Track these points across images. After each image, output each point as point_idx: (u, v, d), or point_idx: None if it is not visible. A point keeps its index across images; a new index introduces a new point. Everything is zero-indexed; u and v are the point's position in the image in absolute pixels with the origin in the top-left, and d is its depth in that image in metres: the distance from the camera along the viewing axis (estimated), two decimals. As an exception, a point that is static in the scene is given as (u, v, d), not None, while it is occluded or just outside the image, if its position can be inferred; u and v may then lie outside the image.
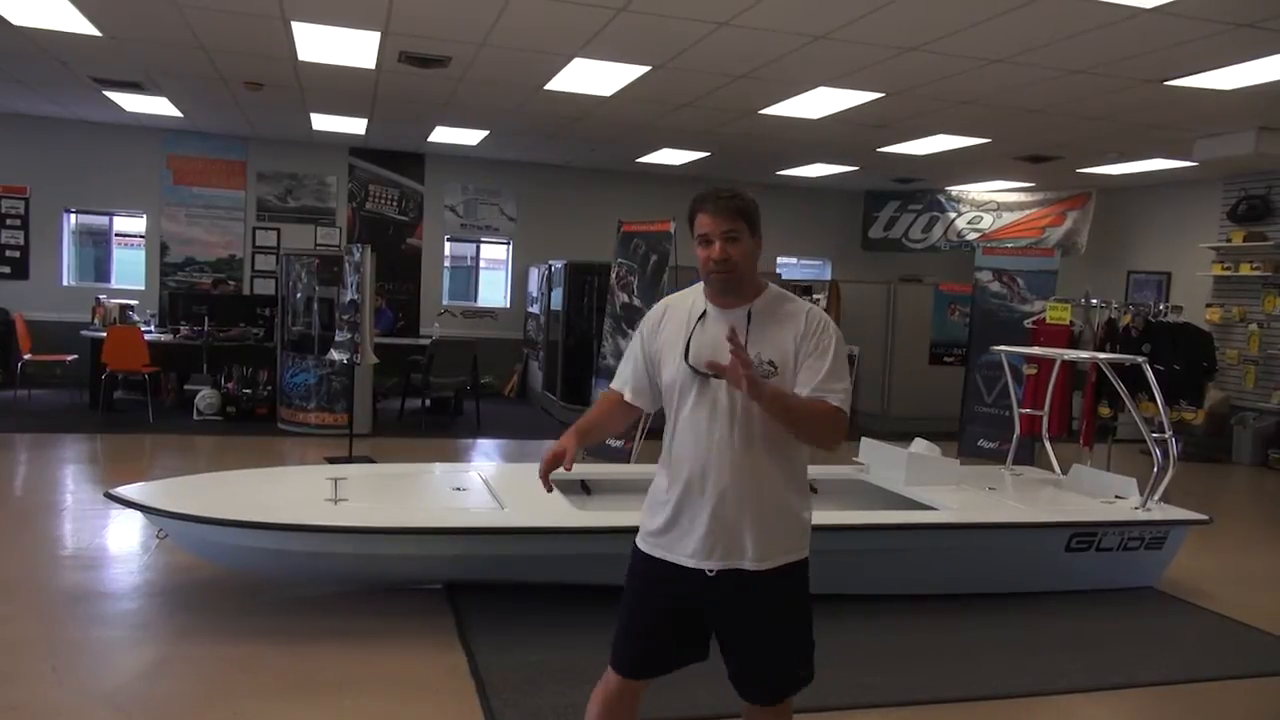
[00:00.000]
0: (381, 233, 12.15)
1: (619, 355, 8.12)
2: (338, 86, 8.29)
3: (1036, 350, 6.82)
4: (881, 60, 6.50)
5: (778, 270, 12.75)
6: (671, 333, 2.47)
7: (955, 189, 13.24)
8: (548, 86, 7.82)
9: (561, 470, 2.42)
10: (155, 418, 8.95)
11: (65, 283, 11.43)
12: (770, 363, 2.35)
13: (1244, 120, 7.85)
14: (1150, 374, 5.52)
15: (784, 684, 2.47)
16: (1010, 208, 12.99)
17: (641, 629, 2.49)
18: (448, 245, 12.76)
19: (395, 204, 12.36)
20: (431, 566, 4.41)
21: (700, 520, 2.36)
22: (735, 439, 2.35)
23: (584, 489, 5.16)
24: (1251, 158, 8.60)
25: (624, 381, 2.60)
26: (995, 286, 8.95)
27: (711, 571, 2.36)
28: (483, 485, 4.90)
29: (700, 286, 2.49)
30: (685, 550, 2.38)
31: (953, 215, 13.43)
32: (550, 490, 2.49)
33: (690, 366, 2.38)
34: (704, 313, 2.43)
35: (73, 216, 11.54)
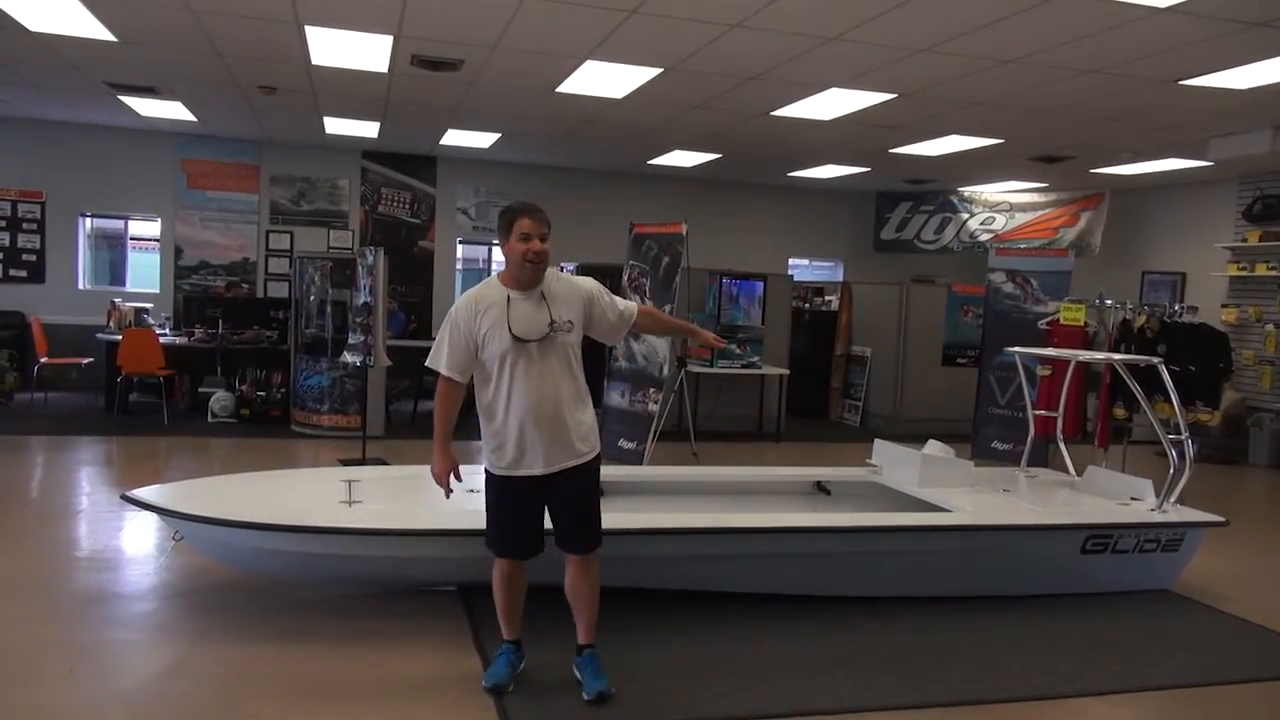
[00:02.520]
0: (394, 235, 12.19)
1: (631, 357, 8.14)
2: (350, 90, 8.32)
3: (1051, 351, 6.78)
4: (894, 61, 6.48)
5: (790, 271, 12.75)
6: (493, 317, 3.36)
7: (968, 190, 13.20)
8: (560, 89, 7.83)
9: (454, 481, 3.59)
10: (170, 420, 9.01)
11: (81, 286, 11.51)
12: (569, 320, 3.44)
13: (1259, 119, 7.80)
14: (1166, 375, 5.48)
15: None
16: (1023, 208, 12.94)
17: (515, 525, 3.54)
18: (460, 248, 12.80)
19: (407, 207, 12.40)
20: (445, 568, 4.42)
21: (539, 441, 3.39)
22: (552, 378, 3.40)
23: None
24: (1267, 157, 8.55)
25: (456, 368, 3.44)
26: (1009, 287, 8.92)
27: (550, 471, 3.43)
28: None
29: (494, 280, 3.49)
30: (535, 464, 3.42)
31: (965, 216, 13.38)
32: (450, 495, 3.65)
33: (514, 337, 3.34)
34: (508, 297, 3.39)
35: (88, 220, 11.62)
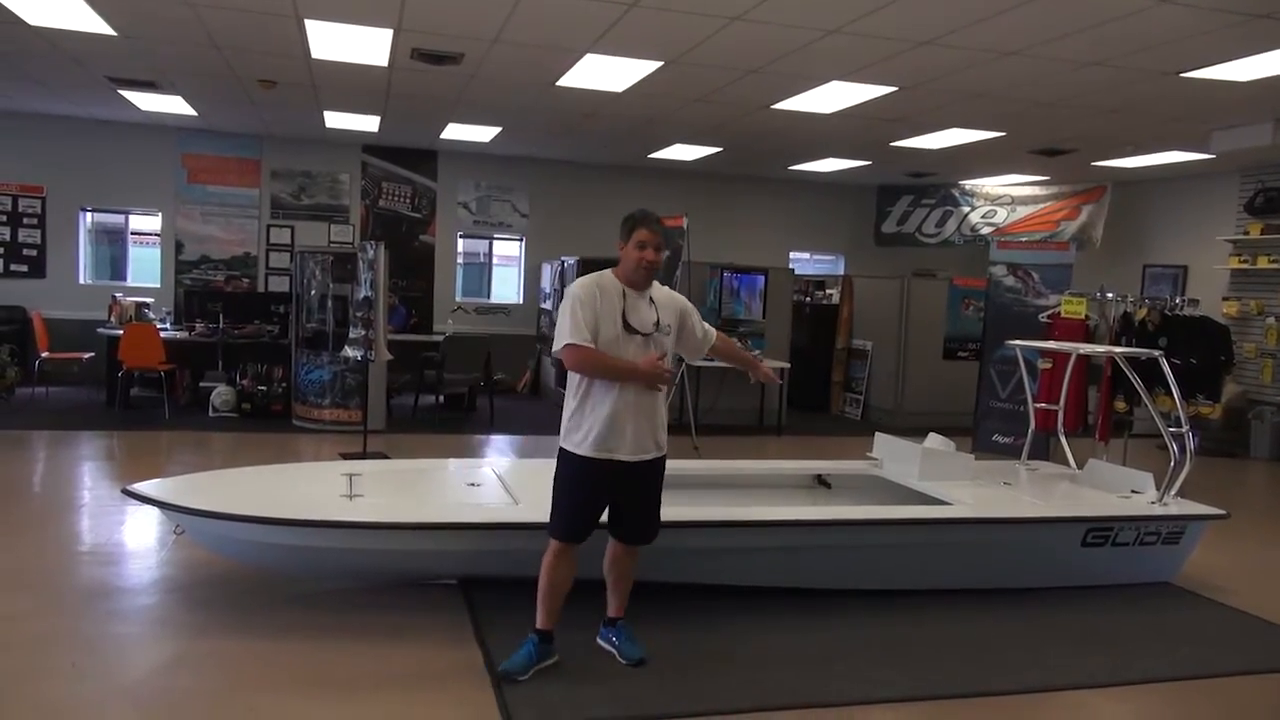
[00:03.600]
0: (394, 230, 12.18)
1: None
2: (351, 84, 8.31)
3: (1052, 344, 6.78)
4: (895, 54, 6.47)
5: (791, 265, 12.74)
6: (611, 303, 3.60)
7: (969, 183, 13.18)
8: (560, 83, 7.82)
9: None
10: (171, 415, 9.02)
11: (82, 281, 11.52)
12: (669, 325, 3.73)
13: (1261, 112, 7.78)
14: (1167, 368, 5.48)
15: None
16: (1024, 201, 12.92)
17: (585, 509, 3.63)
18: (460, 242, 12.79)
19: (408, 201, 12.39)
20: (446, 562, 4.43)
21: (629, 429, 3.57)
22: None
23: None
24: (1269, 149, 8.54)
25: (586, 337, 3.56)
26: (1010, 281, 8.92)
27: (640, 460, 3.61)
28: (497, 481, 4.91)
29: (609, 274, 3.69)
30: (622, 449, 3.57)
31: (966, 209, 13.37)
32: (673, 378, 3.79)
33: (627, 326, 3.59)
34: (623, 292, 3.64)
35: (89, 215, 11.62)
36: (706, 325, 4.02)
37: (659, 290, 3.80)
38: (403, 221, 12.37)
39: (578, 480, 3.62)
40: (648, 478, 3.69)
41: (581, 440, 3.59)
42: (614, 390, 3.56)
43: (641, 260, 3.62)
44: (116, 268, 11.93)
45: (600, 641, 3.83)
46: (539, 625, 3.69)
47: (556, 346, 3.62)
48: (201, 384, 9.95)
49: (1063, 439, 6.39)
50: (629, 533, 3.74)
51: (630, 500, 3.69)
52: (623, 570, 3.81)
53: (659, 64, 7.06)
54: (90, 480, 6.89)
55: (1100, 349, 6.37)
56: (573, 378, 3.65)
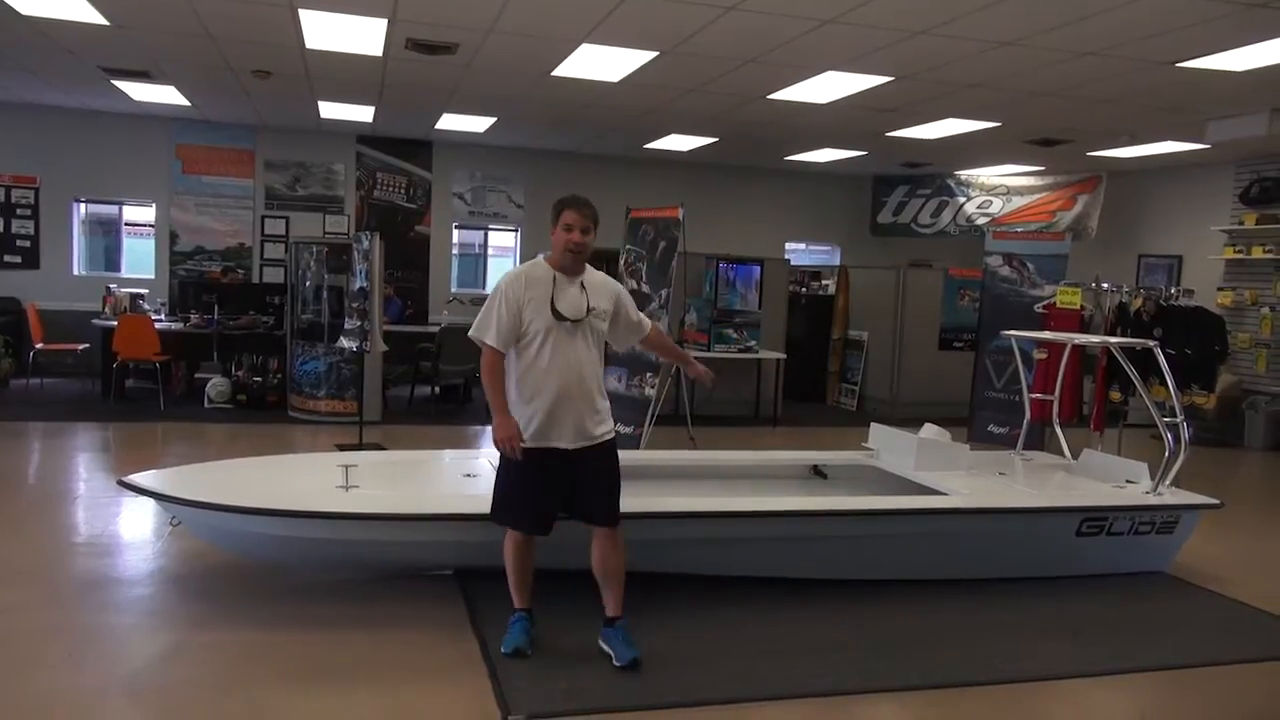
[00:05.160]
0: (390, 220, 12.15)
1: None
2: (345, 74, 8.28)
3: (1047, 335, 6.79)
4: (891, 44, 6.46)
5: (786, 255, 12.73)
6: (538, 293, 3.60)
7: (965, 173, 13.18)
8: (555, 73, 7.80)
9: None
10: (166, 406, 9.00)
11: (76, 272, 11.48)
12: (604, 310, 3.75)
13: (1257, 102, 7.78)
14: (1161, 358, 5.49)
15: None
16: (1020, 192, 12.92)
17: (528, 498, 3.68)
18: (456, 233, 12.77)
19: (403, 192, 12.36)
20: (442, 553, 4.43)
21: (568, 416, 3.61)
22: (582, 358, 3.67)
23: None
24: (1264, 140, 8.53)
25: (500, 340, 3.62)
26: (1005, 271, 8.92)
27: (576, 447, 3.64)
28: (493, 471, 4.90)
29: (541, 261, 3.72)
30: (562, 438, 3.62)
31: (962, 200, 13.37)
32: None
33: (556, 314, 3.59)
34: (554, 278, 3.65)
35: (82, 206, 11.58)
36: (641, 315, 4.04)
37: (592, 275, 3.81)
38: (398, 212, 12.34)
39: (520, 470, 3.66)
40: (598, 460, 3.71)
41: (521, 432, 3.62)
42: (544, 381, 3.60)
43: (569, 242, 3.64)
44: (111, 259, 11.90)
45: (601, 643, 3.77)
46: (517, 605, 3.81)
47: (471, 333, 3.68)
48: (197, 375, 9.95)
49: (1058, 429, 6.40)
50: (591, 513, 3.75)
51: (586, 482, 3.71)
52: (610, 566, 3.77)
53: (654, 54, 7.04)
54: (85, 472, 6.88)
55: (1095, 339, 6.38)
56: (509, 368, 3.69)
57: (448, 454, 6.13)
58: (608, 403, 3.82)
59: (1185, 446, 5.28)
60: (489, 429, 3.81)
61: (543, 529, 3.74)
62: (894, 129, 9.75)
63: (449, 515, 4.20)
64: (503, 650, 3.68)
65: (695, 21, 6.16)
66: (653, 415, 7.62)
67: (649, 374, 7.73)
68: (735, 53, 6.95)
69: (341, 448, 7.05)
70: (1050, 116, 8.74)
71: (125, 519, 5.49)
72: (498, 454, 3.73)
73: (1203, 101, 7.81)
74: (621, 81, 8.01)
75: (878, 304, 11.14)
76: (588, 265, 3.80)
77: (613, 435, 3.79)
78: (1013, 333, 6.68)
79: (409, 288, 12.13)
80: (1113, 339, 6.31)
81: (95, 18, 6.71)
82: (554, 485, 3.69)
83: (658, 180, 12.51)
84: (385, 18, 6.42)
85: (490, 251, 13.21)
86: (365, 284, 7.73)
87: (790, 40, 6.50)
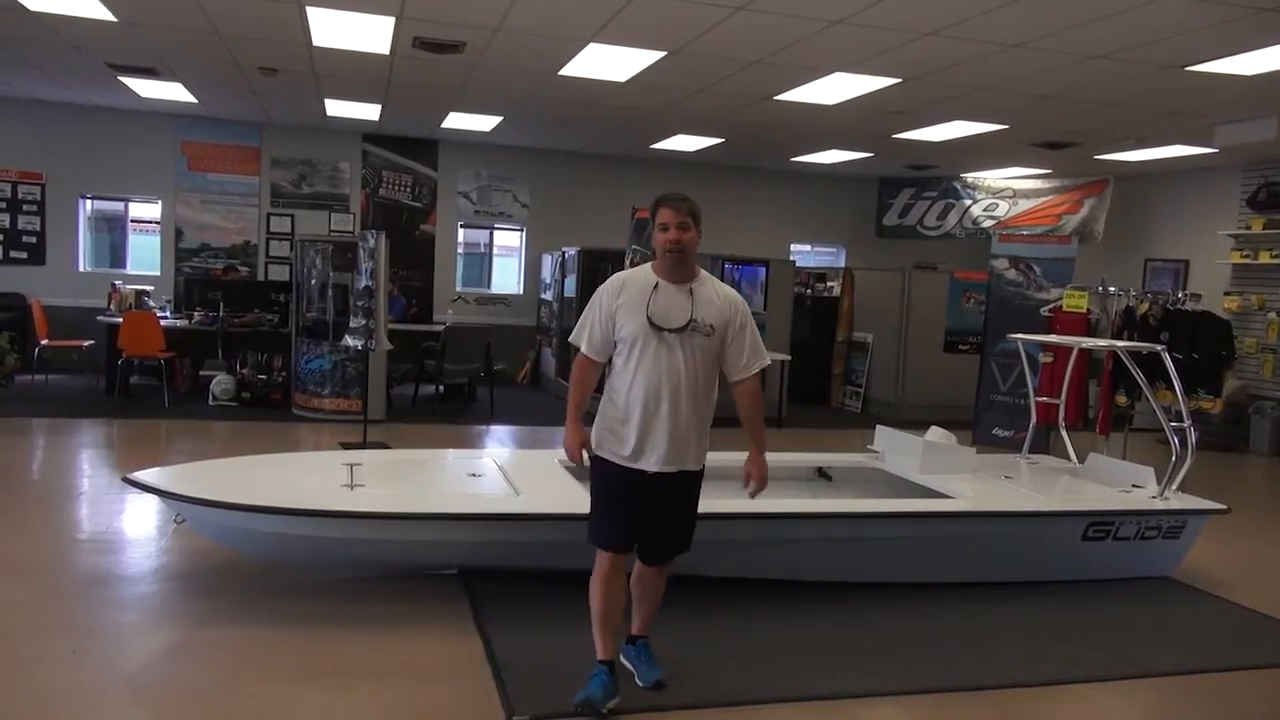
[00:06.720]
0: (395, 219, 12.15)
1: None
2: (352, 72, 8.28)
3: (1053, 338, 6.77)
4: (898, 45, 6.44)
5: (792, 257, 12.72)
6: (632, 298, 3.30)
7: (971, 176, 13.15)
8: (562, 72, 7.79)
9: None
10: (171, 403, 9.01)
11: (81, 268, 11.49)
12: (710, 325, 3.31)
13: (1265, 107, 7.76)
14: (1168, 362, 5.47)
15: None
16: (1026, 195, 12.89)
17: (625, 513, 3.36)
18: (461, 232, 12.77)
19: (409, 190, 12.36)
20: (447, 552, 4.43)
21: (659, 436, 3.27)
22: (679, 374, 3.29)
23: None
24: (1272, 144, 8.52)
25: (593, 348, 3.39)
26: (1011, 274, 8.90)
27: (668, 472, 3.31)
28: (497, 471, 4.90)
29: (647, 267, 3.40)
30: (650, 461, 3.29)
31: (968, 202, 13.34)
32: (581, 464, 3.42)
33: (649, 322, 3.26)
34: (656, 285, 3.31)
35: (88, 202, 11.59)
36: (753, 358, 3.42)
37: (708, 284, 3.39)
38: (403, 211, 12.34)
39: (615, 486, 3.36)
40: (684, 490, 3.41)
41: (617, 448, 3.34)
42: (632, 392, 3.29)
43: (665, 242, 3.28)
44: (116, 255, 11.90)
45: (622, 659, 3.56)
46: (600, 656, 3.40)
47: (570, 338, 3.49)
48: (201, 372, 9.94)
49: (1064, 433, 6.39)
50: (655, 545, 3.45)
51: (662, 510, 3.39)
52: (648, 588, 3.53)
53: (662, 54, 7.03)
54: (90, 468, 6.88)
55: (1102, 343, 6.36)
56: (607, 377, 3.44)
57: (452, 453, 6.13)
58: (707, 437, 3.44)
59: (1192, 451, 5.26)
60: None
61: (629, 544, 3.40)
62: (901, 131, 9.73)
63: (454, 515, 4.20)
64: (574, 699, 3.29)
65: (703, 22, 6.15)
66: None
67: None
68: (743, 53, 6.94)
69: (346, 446, 7.05)
70: (1058, 119, 8.72)
71: (129, 516, 5.49)
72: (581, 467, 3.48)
73: (1211, 105, 7.79)
74: (629, 81, 8.00)
75: (883, 306, 11.13)
76: (706, 274, 3.41)
77: (701, 465, 3.43)
78: (1018, 336, 6.67)
79: (414, 286, 12.13)
80: (1119, 343, 6.29)
81: (103, 14, 6.72)
82: (638, 501, 3.36)
83: (664, 181, 12.43)
84: (393, 16, 6.42)
85: (496, 251, 13.20)
86: (370, 282, 7.73)
87: (798, 41, 6.49)
